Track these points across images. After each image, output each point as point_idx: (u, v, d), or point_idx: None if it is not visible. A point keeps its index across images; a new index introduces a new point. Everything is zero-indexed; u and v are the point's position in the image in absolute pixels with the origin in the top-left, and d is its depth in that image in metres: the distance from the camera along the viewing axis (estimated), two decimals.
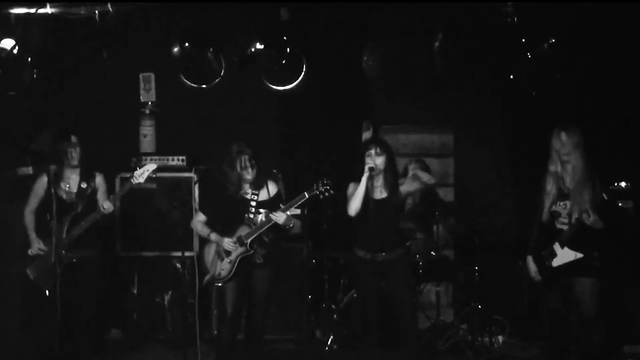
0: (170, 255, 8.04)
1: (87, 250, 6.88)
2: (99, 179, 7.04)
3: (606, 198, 6.11)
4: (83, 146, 6.98)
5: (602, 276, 6.30)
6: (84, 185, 6.92)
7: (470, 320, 7.79)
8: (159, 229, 8.05)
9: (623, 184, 6.11)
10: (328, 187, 6.42)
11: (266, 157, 8.05)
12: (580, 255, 6.26)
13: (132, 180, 6.82)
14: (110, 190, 7.16)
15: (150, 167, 6.87)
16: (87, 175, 6.97)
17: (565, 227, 6.34)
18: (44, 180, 6.92)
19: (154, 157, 8.15)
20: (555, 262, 6.36)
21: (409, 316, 6.62)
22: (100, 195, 7.00)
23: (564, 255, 6.32)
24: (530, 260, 6.52)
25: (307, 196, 6.45)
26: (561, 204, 6.39)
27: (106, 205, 6.78)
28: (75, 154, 6.90)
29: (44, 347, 6.89)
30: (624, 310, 7.39)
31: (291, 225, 6.63)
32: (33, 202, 6.97)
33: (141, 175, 6.81)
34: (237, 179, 6.59)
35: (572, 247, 6.28)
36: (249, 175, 6.58)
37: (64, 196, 6.84)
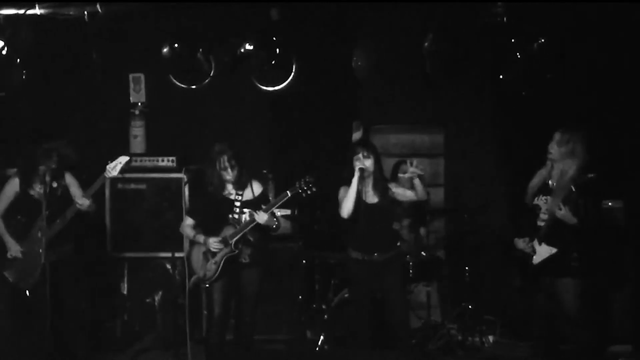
0: (161, 256, 8.02)
1: (66, 248, 6.85)
2: (68, 177, 6.94)
3: (574, 189, 6.12)
4: (62, 147, 6.97)
5: (582, 276, 6.30)
6: (54, 185, 6.88)
7: (461, 320, 7.80)
8: (149, 230, 8.04)
9: (590, 175, 6.11)
10: (311, 185, 6.42)
11: (257, 158, 8.09)
12: (554, 250, 6.28)
13: (105, 174, 6.73)
14: (99, 191, 7.13)
15: (122, 159, 6.75)
16: (57, 175, 6.91)
17: (543, 224, 6.37)
18: (15, 182, 6.90)
19: (144, 158, 8.14)
20: (536, 260, 6.37)
21: (402, 316, 6.65)
22: (74, 192, 6.94)
23: (541, 252, 6.34)
24: (517, 240, 6.54)
25: (289, 194, 6.44)
26: (543, 197, 6.41)
27: (80, 201, 6.72)
28: (55, 157, 6.87)
29: (35, 348, 6.89)
30: (610, 309, 7.41)
31: (274, 225, 6.62)
32: (1, 205, 6.92)
33: (114, 168, 6.71)
34: (217, 179, 6.58)
35: (548, 243, 6.30)
36: (228, 175, 6.56)
37: (36, 196, 6.80)
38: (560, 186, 6.28)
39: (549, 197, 6.37)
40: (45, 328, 6.62)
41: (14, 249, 6.85)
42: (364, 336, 6.73)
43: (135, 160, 8.06)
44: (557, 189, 6.32)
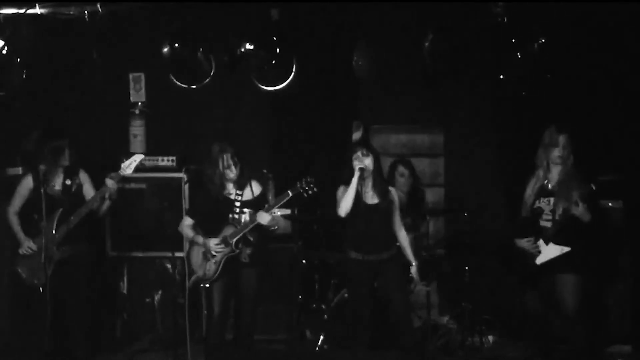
0: (160, 256, 8.02)
1: (78, 245, 6.93)
2: (82, 175, 7.06)
3: (594, 188, 6.13)
4: (72, 145, 7.00)
5: (584, 273, 6.30)
6: (68, 182, 6.96)
7: (461, 320, 7.79)
8: (148, 229, 8.04)
9: (609, 177, 6.13)
10: (312, 185, 6.43)
11: (257, 158, 8.08)
12: (567, 248, 6.27)
13: (119, 172, 6.83)
14: (97, 188, 7.17)
15: (137, 157, 6.93)
16: (70, 173, 6.98)
17: (548, 224, 6.36)
18: (29, 180, 6.95)
19: (144, 158, 8.13)
20: (540, 260, 6.36)
21: (404, 315, 6.68)
22: (87, 190, 7.01)
23: (549, 252, 6.32)
24: (518, 240, 6.52)
25: (290, 194, 6.46)
26: (544, 200, 6.41)
27: (109, 184, 6.81)
28: (68, 155, 6.92)
29: (36, 345, 6.89)
30: (609, 309, 7.41)
31: (276, 227, 6.64)
32: (17, 202, 7.03)
33: (129, 166, 6.84)
34: (219, 179, 6.58)
35: (557, 243, 6.29)
36: (232, 174, 6.57)
37: (50, 194, 6.84)
38: (567, 185, 6.27)
39: (551, 198, 6.37)
40: (45, 327, 6.63)
41: (25, 245, 6.89)
42: (364, 336, 6.73)
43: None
44: (560, 187, 6.31)
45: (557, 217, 6.32)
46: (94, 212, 6.96)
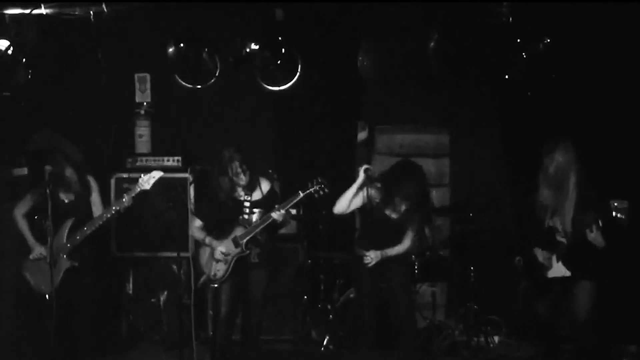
0: (166, 256, 8.02)
1: (85, 252, 6.87)
2: (92, 182, 7.02)
3: (612, 208, 6.02)
4: (80, 149, 7.00)
5: (598, 280, 6.27)
6: (79, 191, 6.91)
7: (466, 320, 7.79)
8: (154, 230, 8.04)
9: (617, 202, 6.04)
10: (322, 186, 6.42)
11: (262, 158, 8.08)
12: (568, 273, 6.24)
13: (137, 186, 6.80)
14: (104, 192, 7.15)
15: (156, 174, 6.84)
16: (83, 179, 6.95)
17: (564, 240, 6.30)
18: (37, 182, 6.89)
19: (149, 158, 8.15)
20: (550, 274, 6.33)
21: (408, 316, 6.68)
22: (94, 199, 6.98)
23: (557, 270, 6.30)
24: (538, 251, 6.44)
25: (301, 195, 6.45)
26: (555, 219, 6.34)
27: (126, 199, 6.77)
28: (72, 172, 6.90)
29: (42, 349, 6.89)
30: (617, 310, 7.40)
31: (287, 223, 6.66)
32: (25, 205, 6.93)
33: (147, 181, 6.80)
34: (228, 185, 6.54)
35: (566, 263, 6.25)
36: (241, 181, 6.53)
37: (64, 199, 6.83)
38: (569, 200, 6.19)
39: (560, 217, 6.29)
40: (51, 331, 6.61)
41: (37, 252, 6.84)
42: (369, 336, 6.72)
43: (141, 160, 8.09)
44: (565, 206, 6.24)
45: (569, 237, 6.25)
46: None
